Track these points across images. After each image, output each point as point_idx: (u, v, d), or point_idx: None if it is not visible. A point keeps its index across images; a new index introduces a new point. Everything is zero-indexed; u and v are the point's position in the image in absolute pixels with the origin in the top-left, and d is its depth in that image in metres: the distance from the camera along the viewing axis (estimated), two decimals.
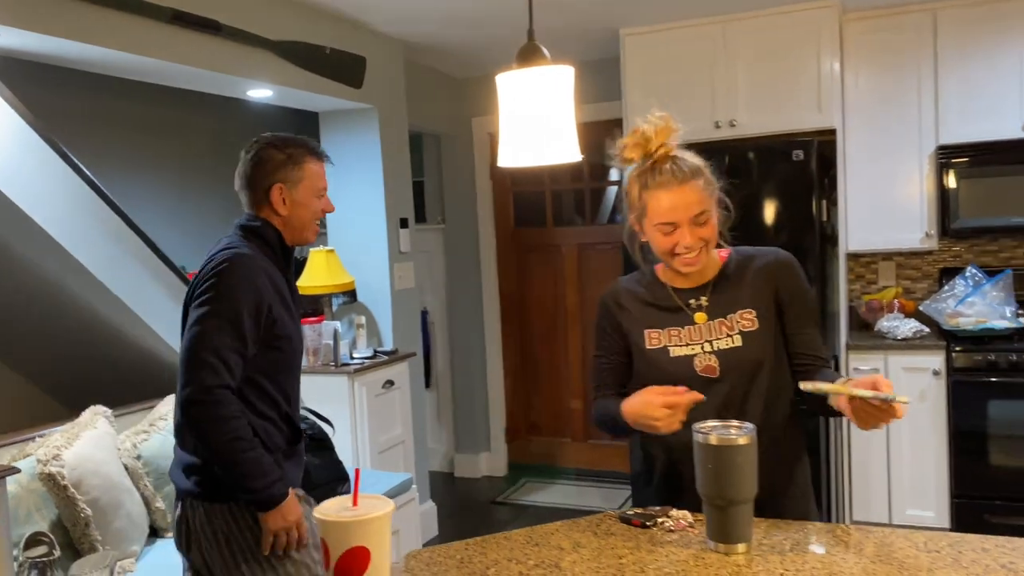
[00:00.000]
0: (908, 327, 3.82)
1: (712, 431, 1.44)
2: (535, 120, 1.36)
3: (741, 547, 1.43)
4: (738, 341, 1.73)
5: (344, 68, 3.67)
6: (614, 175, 5.06)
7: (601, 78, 4.60)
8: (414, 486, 3.45)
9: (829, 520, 3.85)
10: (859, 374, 3.78)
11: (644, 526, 1.57)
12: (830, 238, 3.90)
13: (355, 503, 1.17)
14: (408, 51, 4.28)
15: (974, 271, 3.87)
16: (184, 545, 1.92)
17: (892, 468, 3.79)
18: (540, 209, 5.29)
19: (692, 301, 1.78)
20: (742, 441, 1.42)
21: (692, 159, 1.71)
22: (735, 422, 1.48)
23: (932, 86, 3.85)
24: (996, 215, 3.80)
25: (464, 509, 4.80)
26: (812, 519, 1.78)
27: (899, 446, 3.77)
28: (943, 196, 3.83)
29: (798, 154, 3.66)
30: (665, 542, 1.50)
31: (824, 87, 3.82)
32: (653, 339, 1.77)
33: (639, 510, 1.64)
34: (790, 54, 3.86)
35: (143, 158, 4.27)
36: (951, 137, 3.84)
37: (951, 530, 3.68)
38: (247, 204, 2.02)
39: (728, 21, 3.93)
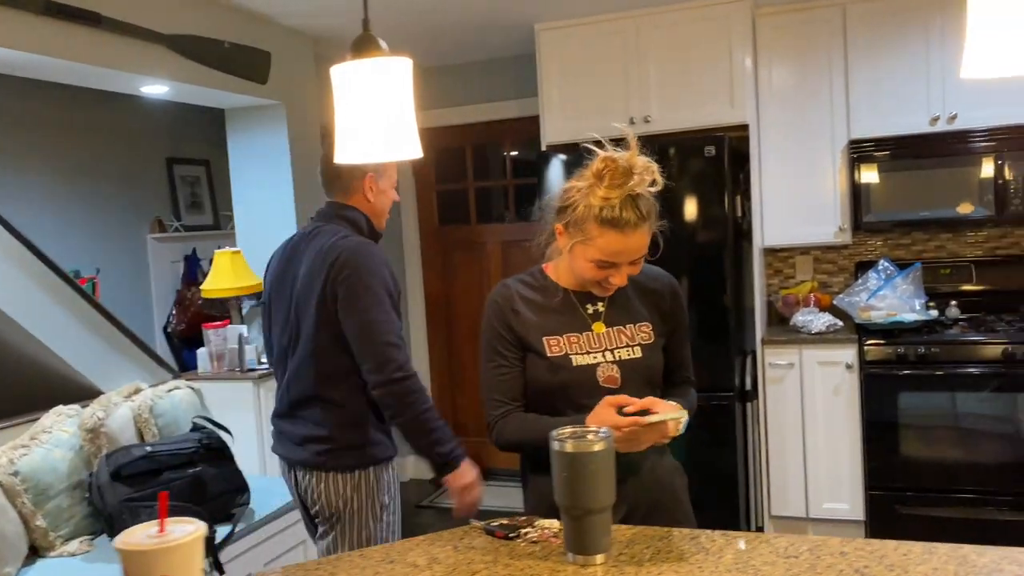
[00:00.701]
0: (822, 321, 3.83)
1: (568, 438, 1.39)
2: (373, 114, 1.28)
3: (599, 558, 1.37)
4: (638, 352, 1.71)
5: (247, 63, 3.55)
6: None
7: (518, 75, 4.56)
8: None
9: (748, 516, 3.86)
10: (775, 369, 3.81)
11: (507, 538, 1.51)
12: (745, 233, 3.90)
13: (161, 529, 1.08)
14: (319, 45, 4.16)
15: (886, 264, 3.90)
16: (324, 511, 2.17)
17: (808, 462, 3.80)
18: (464, 206, 5.21)
19: (589, 306, 1.74)
20: (598, 447, 1.37)
21: (650, 198, 1.61)
22: (593, 427, 1.43)
23: (843, 81, 3.87)
24: (906, 209, 3.84)
25: None
26: (691, 526, 1.75)
27: (815, 440, 3.78)
28: (856, 190, 3.85)
29: (710, 150, 3.65)
30: (524, 555, 1.44)
31: (737, 82, 3.81)
32: (553, 346, 1.70)
33: (505, 521, 1.58)
34: (703, 49, 3.84)
35: (31, 159, 4.09)
36: (862, 132, 3.86)
37: (866, 522, 3.71)
38: (336, 193, 2.20)
39: (641, 16, 3.89)
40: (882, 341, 3.65)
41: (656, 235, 1.66)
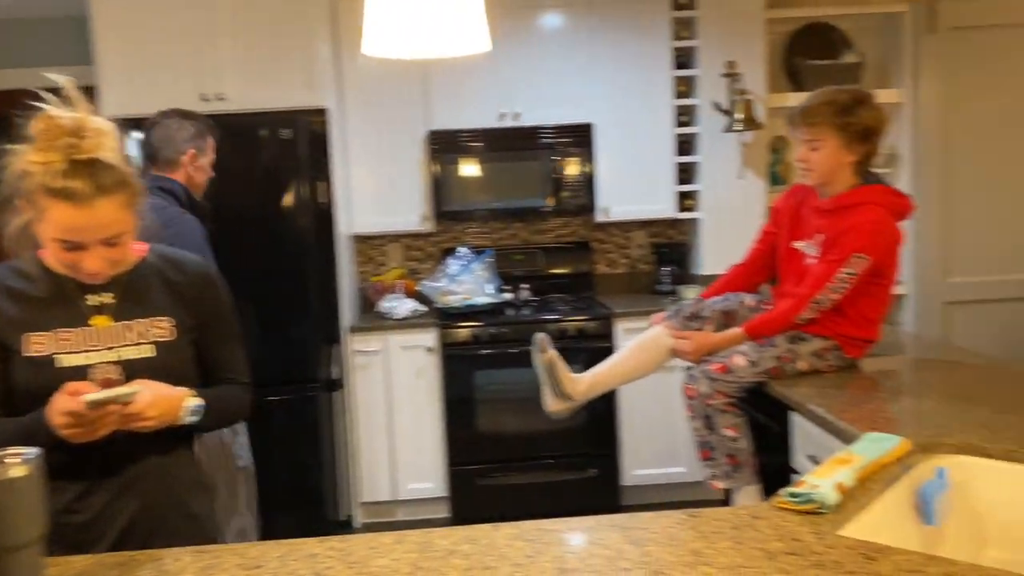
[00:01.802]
0: (407, 307, 3.91)
1: None
2: None
3: None
4: (150, 351, 1.49)
5: None
6: None
7: (71, 38, 4.02)
8: None
9: (336, 505, 3.82)
10: (362, 356, 3.80)
11: None
12: (329, 220, 3.83)
13: None
14: None
15: (466, 251, 4.09)
16: None
17: (397, 446, 3.86)
18: None
19: (91, 297, 1.49)
20: (15, 473, 1.14)
21: (119, 166, 1.39)
22: (12, 450, 1.20)
23: (421, 72, 3.96)
24: (481, 200, 4.06)
25: None
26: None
27: (401, 424, 3.85)
28: (436, 180, 3.98)
29: (286, 133, 3.52)
30: None
31: (315, 66, 3.72)
32: (36, 344, 1.44)
33: None
34: (280, 30, 3.69)
35: None
36: (441, 123, 3.99)
37: (449, 498, 3.87)
38: (158, 167, 2.50)
39: None
40: (459, 324, 3.82)
41: (147, 214, 1.49)
